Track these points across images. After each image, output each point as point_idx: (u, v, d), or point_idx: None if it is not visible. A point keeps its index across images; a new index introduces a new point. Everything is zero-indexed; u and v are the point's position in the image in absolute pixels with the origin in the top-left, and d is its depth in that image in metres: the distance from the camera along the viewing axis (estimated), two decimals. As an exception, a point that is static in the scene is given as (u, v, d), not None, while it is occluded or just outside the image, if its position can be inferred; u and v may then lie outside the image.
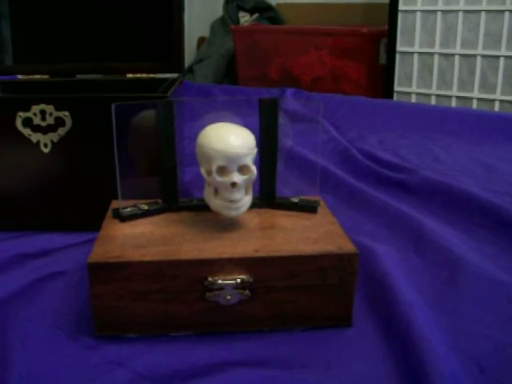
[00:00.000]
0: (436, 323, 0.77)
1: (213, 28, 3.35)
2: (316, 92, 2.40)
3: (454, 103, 2.35)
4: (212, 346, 0.74)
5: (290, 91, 2.14)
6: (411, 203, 1.22)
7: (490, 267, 0.93)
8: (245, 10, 3.29)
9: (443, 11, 2.30)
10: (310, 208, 0.87)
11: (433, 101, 2.40)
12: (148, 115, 0.96)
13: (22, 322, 0.79)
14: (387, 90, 2.50)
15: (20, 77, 1.33)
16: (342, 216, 0.89)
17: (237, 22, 3.27)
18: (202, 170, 0.79)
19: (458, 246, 1.00)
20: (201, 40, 3.38)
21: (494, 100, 2.19)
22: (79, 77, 1.35)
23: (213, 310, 0.75)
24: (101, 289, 0.73)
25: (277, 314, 0.76)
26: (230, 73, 3.09)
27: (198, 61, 3.12)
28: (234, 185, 0.77)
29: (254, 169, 0.78)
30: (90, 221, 0.99)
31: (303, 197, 0.90)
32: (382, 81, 2.54)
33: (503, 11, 2.10)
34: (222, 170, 0.77)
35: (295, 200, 0.88)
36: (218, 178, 0.77)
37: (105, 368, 0.69)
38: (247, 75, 2.96)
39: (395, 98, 2.50)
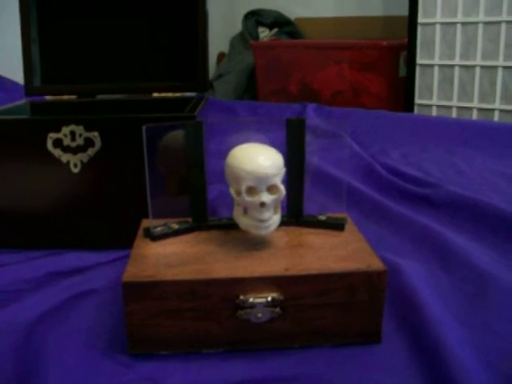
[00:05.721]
0: (465, 340, 0.77)
1: (232, 43, 3.38)
2: (336, 106, 2.41)
3: (475, 115, 2.34)
4: (243, 363, 0.75)
5: (311, 106, 2.15)
6: (436, 218, 1.22)
7: (518, 282, 0.93)
8: (264, 25, 3.32)
9: (463, 23, 2.31)
10: (337, 226, 0.88)
11: (454, 113, 2.40)
12: (178, 135, 0.97)
13: (56, 339, 0.80)
14: (408, 103, 2.50)
15: (48, 98, 1.36)
16: (366, 231, 0.89)
17: (256, 37, 3.30)
18: (232, 190, 0.81)
19: (486, 261, 1.00)
20: (220, 55, 3.42)
21: (516, 111, 2.19)
22: (105, 97, 1.38)
23: (244, 327, 0.76)
24: (134, 307, 0.74)
25: (307, 331, 0.77)
26: (250, 88, 3.11)
27: (218, 76, 3.15)
28: (263, 204, 0.78)
29: (282, 188, 0.79)
30: (119, 239, 1.02)
31: (330, 214, 0.91)
32: (402, 94, 2.55)
33: (524, 23, 2.11)
34: (251, 190, 0.78)
35: (323, 218, 0.89)
36: (248, 198, 0.78)
37: (140, 385, 0.71)
38: (267, 90, 2.99)
39: (416, 110, 2.50)
